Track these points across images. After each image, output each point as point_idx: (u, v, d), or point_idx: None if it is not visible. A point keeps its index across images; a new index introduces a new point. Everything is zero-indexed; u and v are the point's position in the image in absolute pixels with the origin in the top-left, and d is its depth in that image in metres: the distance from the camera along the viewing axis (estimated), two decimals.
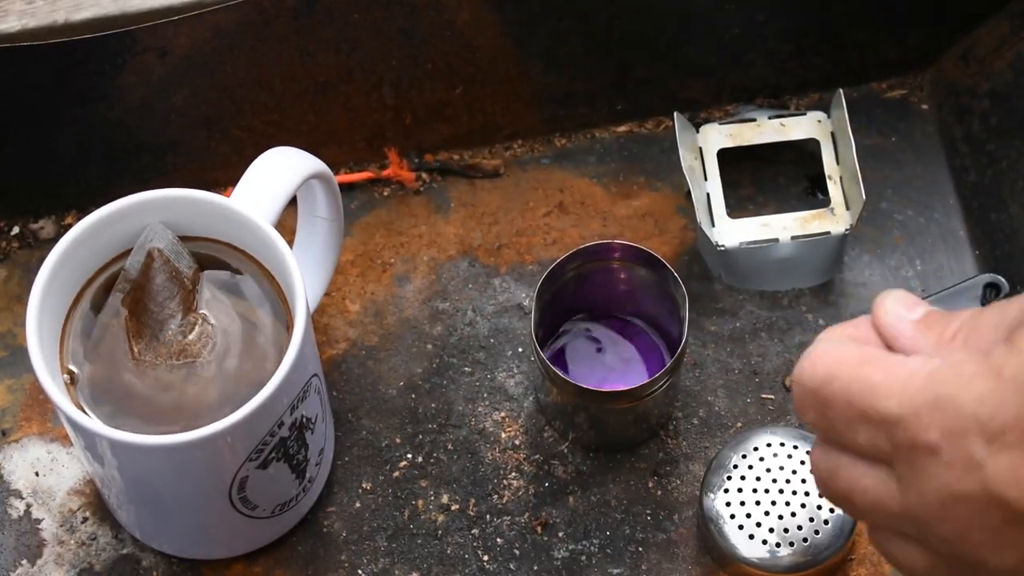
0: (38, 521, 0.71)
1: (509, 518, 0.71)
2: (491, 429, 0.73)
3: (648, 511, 0.71)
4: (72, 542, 0.71)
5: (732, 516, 0.68)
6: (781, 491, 0.68)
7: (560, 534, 0.71)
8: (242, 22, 0.73)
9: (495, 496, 0.72)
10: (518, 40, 0.77)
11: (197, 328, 0.64)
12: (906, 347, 0.54)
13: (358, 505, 0.72)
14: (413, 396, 0.74)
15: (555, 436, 0.73)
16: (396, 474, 0.72)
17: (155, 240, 0.65)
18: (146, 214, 0.65)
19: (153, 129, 0.76)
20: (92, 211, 0.65)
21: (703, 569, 0.70)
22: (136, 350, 0.64)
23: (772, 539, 0.67)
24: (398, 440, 0.73)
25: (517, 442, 0.73)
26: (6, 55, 0.71)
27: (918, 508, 0.52)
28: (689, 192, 0.76)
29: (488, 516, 0.71)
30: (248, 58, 0.75)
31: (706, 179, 0.76)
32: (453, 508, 0.71)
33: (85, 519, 0.71)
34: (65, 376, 0.64)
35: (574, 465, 0.72)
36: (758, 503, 0.68)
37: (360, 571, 0.70)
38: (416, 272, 0.77)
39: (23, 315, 0.63)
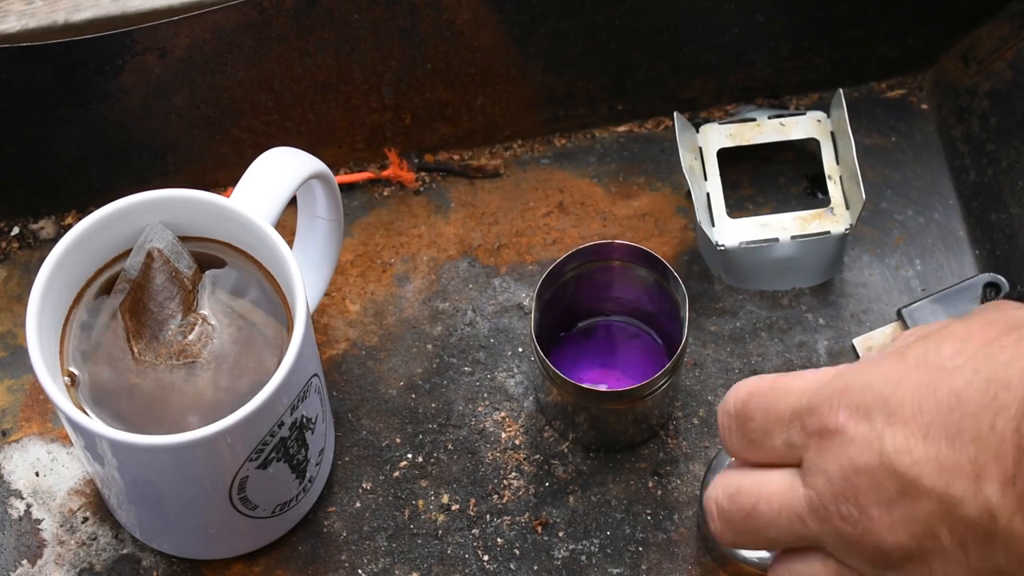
0: (38, 521, 0.71)
1: (509, 518, 0.71)
2: (491, 429, 0.73)
3: (648, 511, 0.71)
4: (72, 542, 0.71)
5: None
6: None
7: (560, 534, 0.71)
8: (242, 22, 0.73)
9: (495, 496, 0.72)
10: (518, 40, 0.77)
11: (197, 328, 0.64)
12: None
13: (358, 505, 0.72)
14: (413, 396, 0.74)
15: (555, 436, 0.73)
16: (396, 474, 0.72)
17: (155, 240, 0.65)
18: (146, 214, 0.65)
19: (153, 129, 0.76)
20: (92, 211, 0.65)
21: (703, 569, 0.70)
22: (136, 350, 0.64)
23: None
24: (398, 440, 0.73)
25: (517, 442, 0.73)
26: (6, 55, 0.71)
27: (822, 492, 0.54)
28: (689, 192, 0.76)
29: (488, 516, 0.71)
30: (248, 58, 0.75)
31: (706, 179, 0.76)
32: (453, 508, 0.72)
33: (85, 519, 0.71)
34: (65, 377, 0.64)
35: (574, 465, 0.72)
36: None
37: (360, 571, 0.70)
38: (416, 272, 0.77)
39: (23, 315, 0.63)
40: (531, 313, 0.69)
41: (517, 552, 0.71)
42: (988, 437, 0.51)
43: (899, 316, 0.73)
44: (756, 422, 0.58)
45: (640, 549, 0.71)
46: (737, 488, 0.58)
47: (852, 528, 0.54)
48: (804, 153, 0.80)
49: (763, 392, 0.58)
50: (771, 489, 0.57)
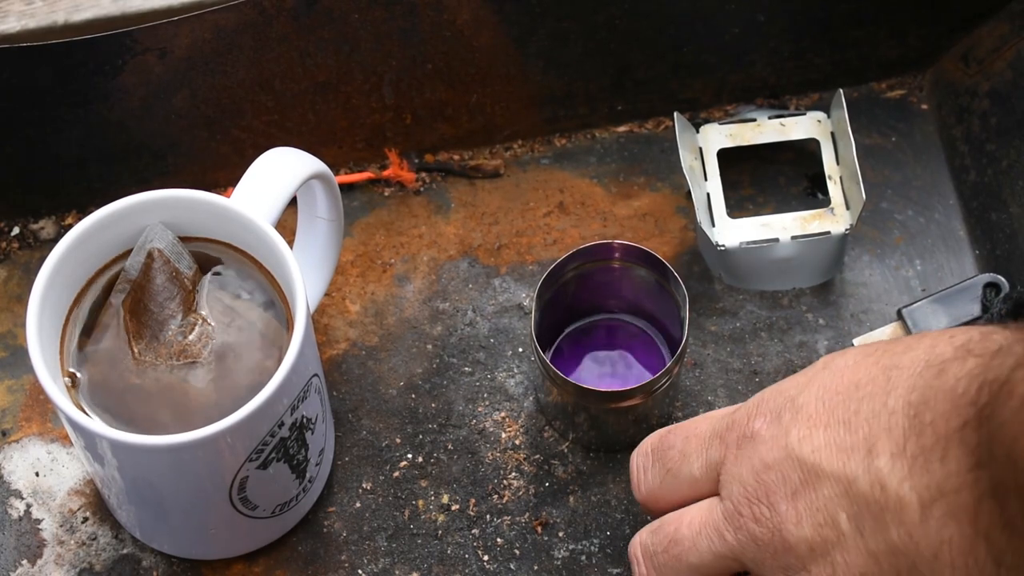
0: (38, 521, 0.71)
1: (509, 518, 0.71)
2: (491, 429, 0.73)
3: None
4: (72, 542, 0.71)
5: None
6: None
7: (560, 534, 0.71)
8: (242, 22, 0.73)
9: (495, 496, 0.72)
10: (518, 40, 0.77)
11: (197, 328, 0.64)
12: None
13: (358, 505, 0.72)
14: (413, 396, 0.74)
15: (555, 436, 0.73)
16: (396, 474, 0.72)
17: (155, 240, 0.65)
18: (146, 214, 0.65)
19: (153, 129, 0.76)
20: (92, 211, 0.65)
21: None
22: (136, 350, 0.64)
23: None
24: (398, 440, 0.73)
25: (517, 442, 0.73)
26: (6, 55, 0.71)
27: (737, 498, 0.56)
28: (689, 192, 0.76)
29: (488, 516, 0.71)
30: (248, 58, 0.75)
31: (706, 179, 0.76)
32: (453, 508, 0.72)
33: (85, 519, 0.71)
34: (65, 377, 0.64)
35: (574, 465, 0.72)
36: None
37: (360, 571, 0.70)
38: (416, 272, 0.77)
39: (23, 315, 0.63)
40: (531, 313, 0.69)
41: (517, 552, 0.71)
42: (881, 414, 0.52)
43: (899, 316, 0.73)
44: (675, 450, 0.60)
45: None
46: (660, 522, 0.60)
47: (763, 529, 0.55)
48: (804, 153, 0.80)
49: (682, 424, 0.61)
50: (692, 513, 0.59)
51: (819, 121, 0.77)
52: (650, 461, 0.61)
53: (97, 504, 0.71)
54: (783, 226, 0.75)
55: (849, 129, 0.75)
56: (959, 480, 0.50)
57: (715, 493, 0.58)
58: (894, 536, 0.52)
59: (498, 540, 0.71)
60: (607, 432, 0.71)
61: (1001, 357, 0.50)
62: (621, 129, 0.82)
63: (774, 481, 0.55)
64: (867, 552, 0.53)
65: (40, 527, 0.71)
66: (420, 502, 0.72)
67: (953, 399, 0.50)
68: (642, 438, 0.72)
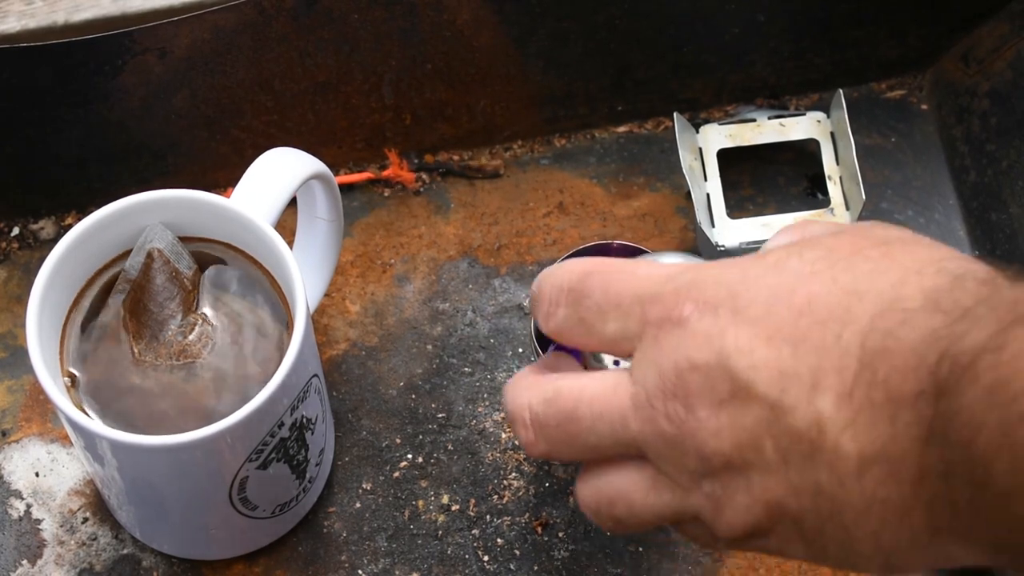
0: (38, 521, 0.71)
1: (509, 518, 0.71)
2: (491, 429, 0.73)
3: None
4: (72, 542, 0.71)
5: None
6: None
7: (560, 534, 0.71)
8: (242, 22, 0.73)
9: (495, 496, 0.72)
10: (518, 40, 0.77)
11: (197, 329, 0.64)
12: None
13: (358, 505, 0.72)
14: (413, 396, 0.74)
15: None
16: (396, 474, 0.72)
17: (155, 241, 0.65)
18: (146, 215, 0.65)
19: (153, 129, 0.76)
20: (92, 212, 0.65)
21: (703, 569, 0.70)
22: (136, 351, 0.64)
23: None
24: (398, 440, 0.73)
25: (517, 442, 0.73)
26: (6, 55, 0.71)
27: (651, 388, 0.51)
28: (689, 192, 0.76)
29: (488, 516, 0.71)
30: (248, 58, 0.75)
31: (706, 179, 0.76)
32: (453, 508, 0.72)
33: (85, 519, 0.71)
34: (65, 377, 0.64)
35: (574, 465, 0.72)
36: None
37: (360, 571, 0.70)
38: (416, 272, 0.77)
39: (23, 316, 0.63)
40: (531, 313, 0.69)
41: (517, 552, 0.71)
42: (833, 348, 0.48)
43: None
44: (592, 300, 0.53)
45: (640, 549, 0.71)
46: (555, 391, 0.53)
47: (676, 429, 0.50)
48: (804, 153, 0.80)
49: (606, 271, 0.53)
50: (594, 390, 0.53)
51: (819, 121, 0.77)
52: (563, 299, 0.54)
53: (97, 504, 0.71)
54: (783, 226, 0.75)
55: (849, 129, 0.75)
56: (906, 448, 0.47)
57: (624, 355, 0.53)
58: (823, 479, 0.48)
59: (498, 540, 0.71)
60: None
61: (968, 324, 0.46)
62: (621, 129, 0.82)
63: (698, 384, 0.50)
64: (788, 483, 0.49)
65: (40, 527, 0.71)
66: (420, 502, 0.72)
67: (912, 360, 0.46)
68: None
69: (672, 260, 0.61)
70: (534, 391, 0.54)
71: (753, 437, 0.49)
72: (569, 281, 0.54)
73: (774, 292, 0.49)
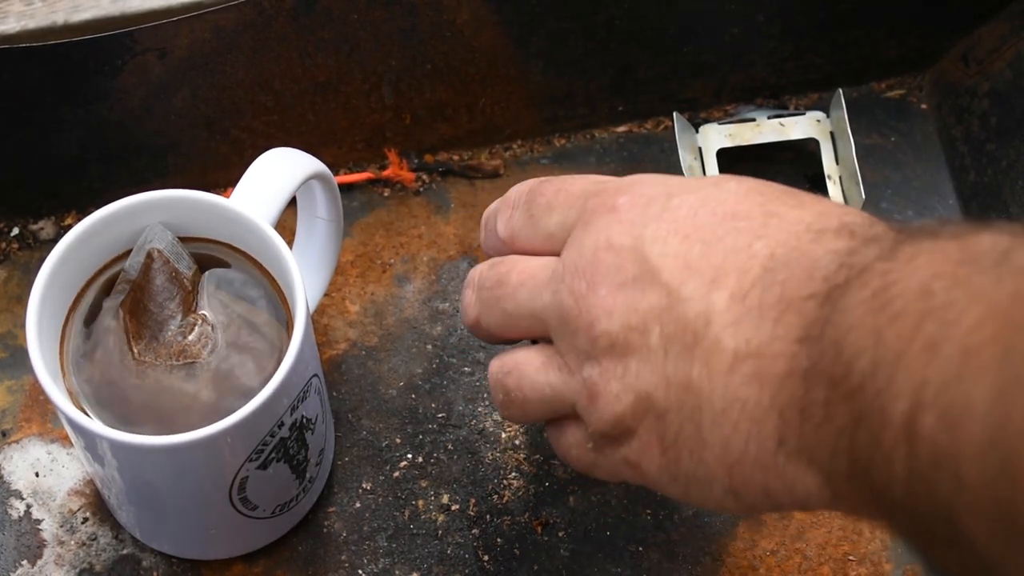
0: (38, 522, 0.71)
1: (509, 518, 0.71)
2: (491, 429, 0.73)
3: (648, 511, 0.71)
4: (72, 543, 0.71)
5: None
6: None
7: (560, 534, 0.71)
8: (242, 22, 0.73)
9: (495, 496, 0.72)
10: (518, 40, 0.77)
11: (197, 329, 0.64)
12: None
13: (358, 505, 0.72)
14: (413, 396, 0.74)
15: None
16: (396, 474, 0.72)
17: (155, 241, 0.65)
18: (146, 215, 0.65)
19: (153, 130, 0.76)
20: (92, 212, 0.65)
21: (703, 569, 0.70)
22: (136, 351, 0.64)
23: None
24: (398, 440, 0.73)
25: (517, 442, 0.73)
26: (6, 56, 0.71)
27: (568, 262, 0.53)
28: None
29: (488, 516, 0.71)
30: (248, 58, 0.75)
31: None
32: (453, 508, 0.72)
33: (85, 520, 0.71)
34: (65, 378, 0.64)
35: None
36: None
37: (360, 571, 0.70)
38: (416, 272, 0.77)
39: (23, 316, 0.63)
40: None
41: (517, 552, 0.71)
42: (741, 252, 0.50)
43: None
44: (544, 199, 0.57)
45: (640, 549, 0.71)
46: (501, 260, 0.58)
47: (574, 304, 0.53)
48: (804, 153, 0.80)
49: (561, 178, 0.58)
50: (528, 263, 0.56)
51: (818, 121, 0.77)
52: (521, 201, 0.58)
53: (97, 504, 0.71)
54: None
55: (849, 129, 0.75)
56: (780, 347, 0.48)
57: (559, 252, 0.56)
58: (694, 373, 0.50)
59: (498, 540, 0.71)
60: None
61: (873, 246, 0.48)
62: (621, 129, 0.82)
63: (608, 264, 0.52)
64: (662, 374, 0.51)
65: (40, 527, 0.71)
66: (420, 502, 0.72)
67: (811, 268, 0.49)
68: None
69: None
70: (485, 263, 0.58)
71: (643, 320, 0.51)
72: (529, 186, 0.58)
73: (703, 200, 0.52)
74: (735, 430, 0.49)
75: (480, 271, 0.58)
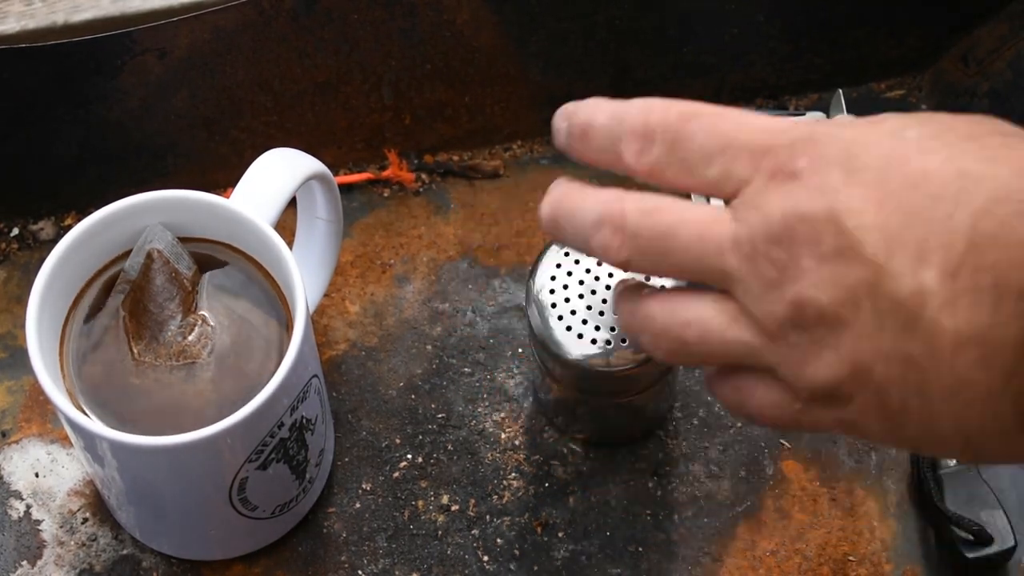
0: (38, 522, 0.71)
1: (509, 518, 0.71)
2: (491, 430, 0.73)
3: (648, 511, 0.71)
4: (72, 543, 0.71)
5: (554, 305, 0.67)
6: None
7: (560, 534, 0.71)
8: (241, 23, 0.73)
9: (495, 496, 0.72)
10: (518, 40, 0.77)
11: (197, 329, 0.64)
12: None
13: (358, 506, 0.72)
14: (413, 397, 0.74)
15: (555, 436, 0.73)
16: (396, 475, 0.72)
17: (155, 241, 0.65)
18: (146, 215, 0.65)
19: (152, 130, 0.76)
20: (91, 212, 0.65)
21: (703, 569, 0.70)
22: (136, 351, 0.64)
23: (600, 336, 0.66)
24: (398, 441, 0.73)
25: (517, 442, 0.73)
26: (6, 56, 0.71)
27: (755, 229, 0.51)
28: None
29: (488, 516, 0.71)
30: (247, 59, 0.75)
31: None
32: (453, 508, 0.71)
33: (85, 520, 0.71)
34: (65, 378, 0.64)
35: (574, 465, 0.72)
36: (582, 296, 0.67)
37: (360, 572, 0.70)
38: (416, 273, 0.77)
39: (23, 316, 0.63)
40: (530, 306, 0.69)
41: (517, 552, 0.71)
42: (943, 224, 0.48)
43: None
44: (695, 143, 0.52)
45: (640, 549, 0.71)
46: (655, 206, 0.53)
47: (776, 273, 0.50)
48: None
49: (713, 115, 0.53)
50: (696, 214, 0.53)
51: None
52: (658, 138, 0.53)
53: (97, 505, 0.71)
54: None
55: None
56: (1004, 338, 0.47)
57: (718, 197, 0.53)
58: (916, 351, 0.48)
59: (498, 540, 0.71)
60: (608, 424, 0.72)
61: None
62: None
63: (804, 234, 0.50)
64: (879, 348, 0.49)
65: (40, 528, 0.71)
66: (420, 502, 0.72)
67: (1022, 254, 0.46)
68: (641, 430, 0.72)
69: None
70: (629, 202, 0.54)
71: (853, 296, 0.49)
72: (664, 121, 0.53)
73: (888, 159, 0.49)
74: (968, 407, 0.48)
75: (626, 212, 0.53)
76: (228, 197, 0.66)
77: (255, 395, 0.61)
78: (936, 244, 0.47)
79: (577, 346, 0.66)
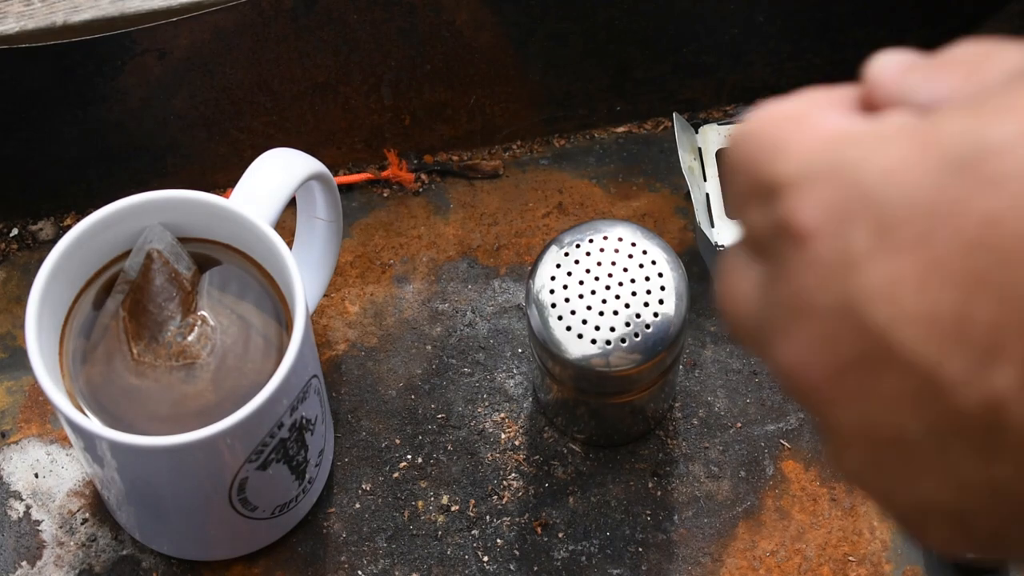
0: (38, 523, 0.71)
1: (509, 519, 0.71)
2: (491, 430, 0.73)
3: (648, 511, 0.71)
4: (72, 543, 0.71)
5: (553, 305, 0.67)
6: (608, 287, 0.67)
7: (560, 534, 0.71)
8: (241, 23, 0.73)
9: (495, 497, 0.72)
10: (517, 40, 0.77)
11: (196, 329, 0.64)
12: (890, 98, 0.40)
13: (358, 506, 0.72)
14: (413, 397, 0.74)
15: (555, 436, 0.73)
16: (396, 475, 0.72)
17: (154, 241, 0.65)
18: (145, 216, 0.65)
19: (152, 130, 0.76)
20: (91, 212, 0.65)
21: (703, 569, 0.70)
22: (135, 351, 0.64)
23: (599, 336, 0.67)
24: (398, 441, 0.73)
25: (517, 443, 0.73)
26: (5, 56, 0.71)
27: (772, 318, 0.37)
28: (688, 193, 0.76)
29: (488, 517, 0.71)
30: (247, 59, 0.75)
31: (705, 180, 0.76)
32: (453, 509, 0.72)
33: (85, 520, 0.71)
34: (65, 378, 0.64)
35: (574, 465, 0.72)
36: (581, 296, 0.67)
37: (360, 572, 0.70)
38: (415, 273, 0.77)
39: (22, 316, 0.63)
40: (530, 307, 0.69)
41: (517, 553, 0.71)
42: (1021, 298, 0.32)
43: None
44: (736, 180, 0.39)
45: (640, 549, 0.71)
46: (726, 269, 0.39)
47: (803, 398, 0.37)
48: None
49: (757, 137, 0.38)
50: (744, 286, 0.38)
51: None
52: (733, 172, 0.36)
53: (97, 505, 0.71)
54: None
55: None
56: None
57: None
58: (1003, 475, 0.34)
59: (498, 541, 0.71)
60: (608, 424, 0.72)
61: None
62: (620, 130, 0.82)
63: (818, 336, 0.35)
64: (952, 481, 0.35)
65: (40, 528, 0.71)
66: (420, 503, 0.72)
67: None
68: (640, 430, 0.73)
69: None
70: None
71: (894, 420, 0.35)
72: (731, 143, 0.39)
73: (938, 205, 0.33)
74: None
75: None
76: (228, 197, 0.66)
77: (255, 395, 0.61)
78: (1012, 327, 0.33)
79: (577, 346, 0.66)
